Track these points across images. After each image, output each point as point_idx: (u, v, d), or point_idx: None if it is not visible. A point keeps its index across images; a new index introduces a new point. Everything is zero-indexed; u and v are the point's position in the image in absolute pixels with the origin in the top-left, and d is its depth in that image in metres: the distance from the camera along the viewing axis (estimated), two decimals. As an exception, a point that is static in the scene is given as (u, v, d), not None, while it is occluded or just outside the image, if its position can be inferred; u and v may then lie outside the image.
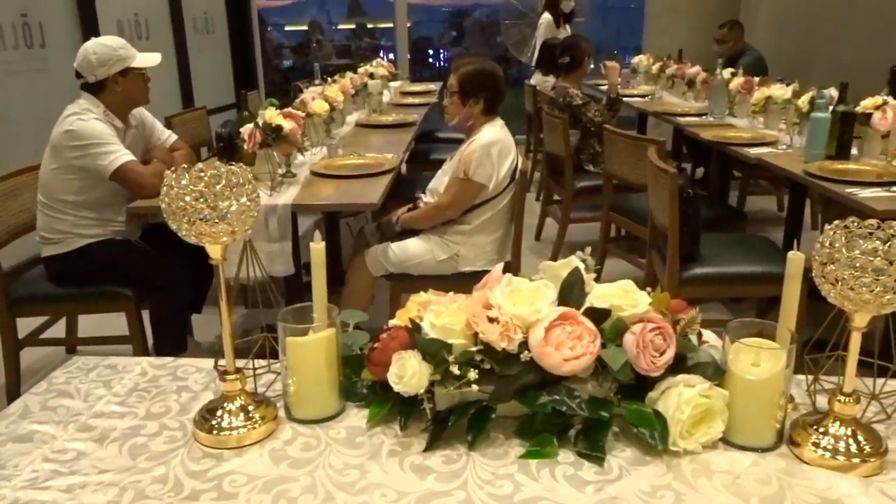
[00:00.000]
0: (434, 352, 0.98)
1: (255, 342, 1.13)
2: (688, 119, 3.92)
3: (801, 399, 1.07)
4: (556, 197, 4.23)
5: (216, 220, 0.92)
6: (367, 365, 1.05)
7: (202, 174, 0.91)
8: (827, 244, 0.88)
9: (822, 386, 1.05)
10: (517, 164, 2.59)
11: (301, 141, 2.68)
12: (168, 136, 2.76)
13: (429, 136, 4.95)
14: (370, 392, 1.08)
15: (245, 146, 2.41)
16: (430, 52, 12.31)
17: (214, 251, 0.96)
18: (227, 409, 1.01)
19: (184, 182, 0.90)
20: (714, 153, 4.05)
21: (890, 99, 2.68)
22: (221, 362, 1.06)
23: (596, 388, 1.00)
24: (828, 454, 0.92)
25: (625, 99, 4.65)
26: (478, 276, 1.10)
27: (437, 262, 2.57)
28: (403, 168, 4.35)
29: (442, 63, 11.73)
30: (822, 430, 0.94)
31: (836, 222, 0.89)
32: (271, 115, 2.42)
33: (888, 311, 0.87)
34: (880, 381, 1.05)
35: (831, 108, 2.76)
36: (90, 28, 3.96)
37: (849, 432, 0.93)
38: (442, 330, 0.99)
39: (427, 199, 2.69)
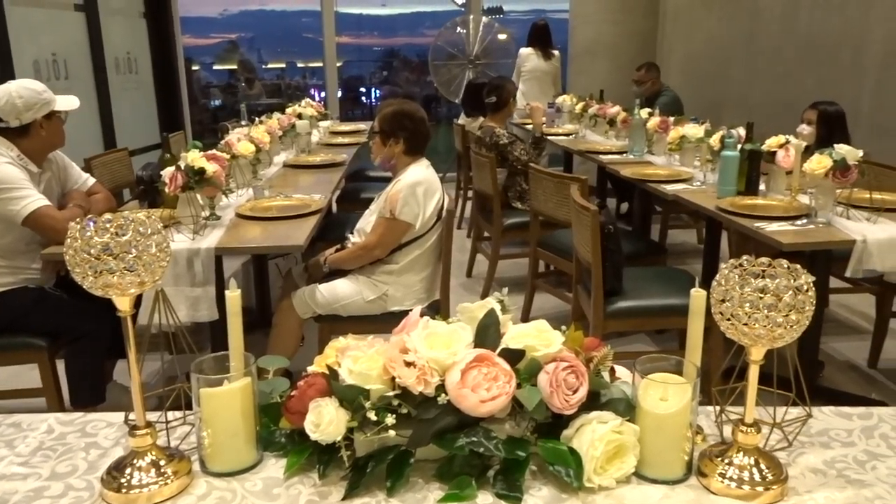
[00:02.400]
0: (351, 398, 0.98)
1: (173, 392, 1.10)
2: (609, 157, 4.06)
3: (710, 430, 1.11)
4: (486, 234, 4.29)
5: (123, 272, 0.90)
6: (285, 414, 1.04)
7: (108, 225, 0.89)
8: (722, 282, 0.93)
9: (728, 417, 1.10)
10: (443, 203, 2.63)
11: (226, 183, 2.65)
12: (86, 180, 2.68)
13: (359, 176, 4.97)
14: (288, 441, 1.06)
15: (166, 189, 2.36)
16: (362, 91, 12.41)
17: (122, 303, 0.94)
18: (137, 465, 0.98)
19: (88, 234, 0.88)
20: (637, 189, 4.20)
21: (792, 138, 2.85)
22: (132, 416, 1.02)
23: (513, 428, 1.02)
24: (733, 484, 0.96)
25: (550, 137, 4.80)
26: (407, 315, 1.10)
27: (365, 302, 2.57)
28: (334, 207, 4.35)
29: (374, 102, 11.84)
30: (727, 460, 0.98)
31: (731, 261, 0.95)
32: (194, 157, 2.39)
33: (780, 344, 0.93)
34: (782, 409, 1.10)
35: (739, 146, 2.92)
36: (5, 69, 3.83)
37: (752, 461, 0.97)
38: (359, 376, 0.99)
39: (355, 239, 2.69)
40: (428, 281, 2.66)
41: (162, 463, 0.99)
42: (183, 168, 2.36)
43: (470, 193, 5.18)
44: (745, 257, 0.94)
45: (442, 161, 6.82)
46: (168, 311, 1.06)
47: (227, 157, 2.64)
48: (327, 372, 1.03)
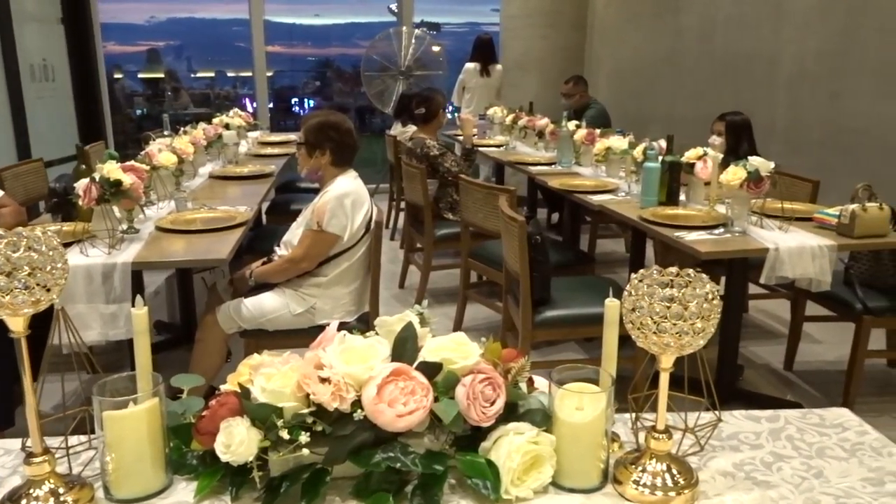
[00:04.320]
0: (263, 417, 0.95)
1: (76, 416, 1.05)
2: (539, 168, 4.13)
3: (626, 438, 1.13)
4: (418, 245, 4.28)
5: (17, 290, 0.85)
6: (195, 435, 1.00)
7: (-2, 241, 0.84)
8: (632, 292, 0.95)
9: (643, 424, 1.12)
10: (372, 215, 2.61)
11: (146, 195, 2.56)
12: (-7, 192, 2.55)
13: (290, 187, 4.89)
14: (200, 463, 1.02)
15: (80, 202, 2.26)
16: (294, 101, 12.26)
17: (15, 324, 0.89)
18: (34, 494, 0.92)
19: (-25, 251, 0.83)
20: (566, 199, 4.27)
21: (709, 150, 2.96)
22: (29, 442, 0.97)
23: (432, 442, 1.01)
24: (647, 490, 0.97)
25: (481, 149, 4.84)
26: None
27: (293, 316, 2.52)
28: (264, 219, 4.27)
29: (306, 112, 11.72)
30: (640, 467, 0.99)
31: (642, 271, 0.96)
32: (110, 168, 2.30)
33: (688, 352, 0.95)
34: (694, 414, 1.13)
35: (661, 158, 3.01)
36: None
37: (664, 467, 0.99)
38: (272, 394, 0.97)
39: (281, 251, 2.64)
40: (357, 293, 2.63)
41: (61, 491, 0.93)
42: (98, 180, 2.27)
43: (402, 204, 5.18)
44: (654, 267, 0.96)
45: (377, 172, 6.79)
46: (70, 330, 1.01)
47: (147, 168, 2.55)
48: (239, 390, 1.00)
